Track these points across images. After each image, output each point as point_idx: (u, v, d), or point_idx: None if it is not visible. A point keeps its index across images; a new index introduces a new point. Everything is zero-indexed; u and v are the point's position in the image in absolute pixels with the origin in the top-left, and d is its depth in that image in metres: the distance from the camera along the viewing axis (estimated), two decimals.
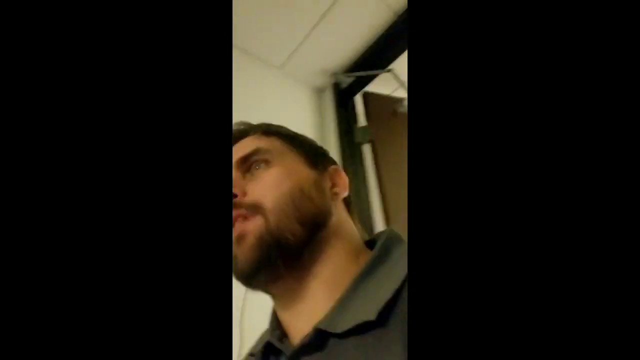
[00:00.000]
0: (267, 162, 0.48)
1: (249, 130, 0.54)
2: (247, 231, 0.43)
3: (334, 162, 0.56)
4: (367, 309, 0.37)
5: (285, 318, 0.46)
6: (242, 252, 0.43)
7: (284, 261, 0.43)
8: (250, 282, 0.44)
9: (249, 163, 0.49)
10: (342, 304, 0.40)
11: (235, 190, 0.46)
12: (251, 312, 0.47)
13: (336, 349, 0.38)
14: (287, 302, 0.45)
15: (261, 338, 0.50)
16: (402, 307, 0.36)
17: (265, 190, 0.45)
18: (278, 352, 0.45)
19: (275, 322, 0.48)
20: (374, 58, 1.57)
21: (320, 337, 0.39)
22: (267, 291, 0.46)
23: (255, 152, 0.49)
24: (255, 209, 0.44)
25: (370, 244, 0.50)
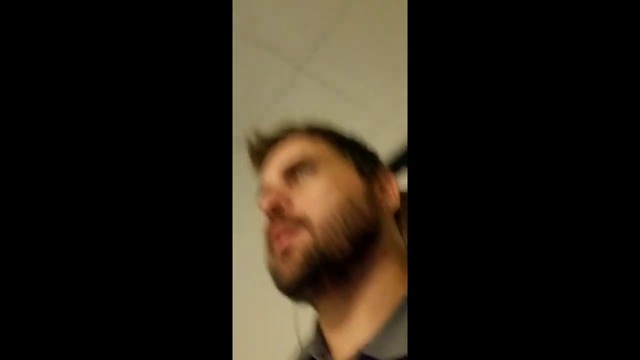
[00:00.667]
0: (313, 170, 0.45)
1: (289, 131, 0.51)
2: (293, 246, 0.42)
3: (382, 166, 0.52)
4: None
5: (329, 334, 0.45)
6: (287, 268, 0.41)
7: (330, 278, 0.41)
8: (294, 296, 0.43)
9: (294, 172, 0.46)
10: (389, 329, 0.39)
11: (281, 201, 0.44)
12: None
13: None
14: (332, 319, 0.44)
15: (303, 350, 0.48)
16: None
17: (312, 202, 0.43)
18: None
19: (319, 336, 0.47)
20: None
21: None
22: (311, 304, 0.45)
23: (302, 161, 0.46)
24: (302, 223, 0.42)
25: None
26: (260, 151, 0.52)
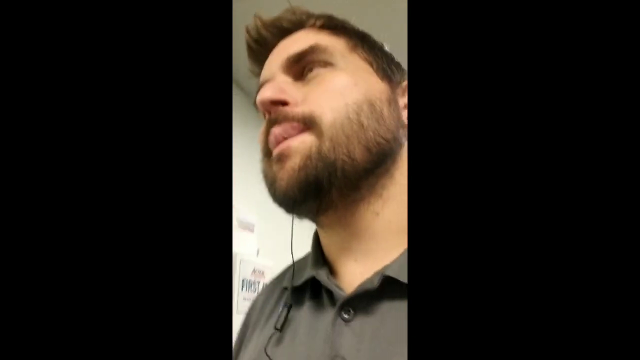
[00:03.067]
0: (327, 65, 0.37)
1: (305, 20, 0.41)
2: (293, 148, 0.34)
3: (406, 76, 0.42)
4: None
5: (336, 255, 0.38)
6: (284, 174, 0.35)
7: (337, 189, 0.34)
8: (292, 209, 0.36)
9: (303, 64, 0.37)
10: None
11: (286, 97, 0.36)
12: None
13: (403, 302, 0.31)
14: (341, 237, 0.37)
15: (299, 269, 0.41)
16: None
17: (322, 99, 0.35)
18: (319, 291, 0.38)
19: (320, 255, 0.40)
20: None
21: (386, 285, 0.32)
22: (313, 220, 0.38)
23: (313, 49, 0.37)
24: (309, 122, 0.34)
25: None
26: (264, 42, 0.42)
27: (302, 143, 0.34)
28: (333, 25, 0.40)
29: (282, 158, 0.35)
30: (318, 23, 0.40)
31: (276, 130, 0.36)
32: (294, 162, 0.34)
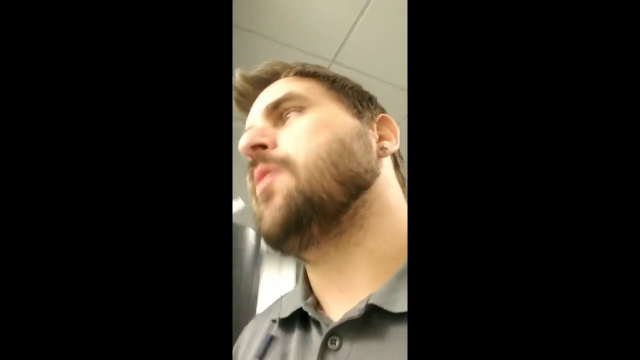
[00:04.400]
0: (301, 109, 0.40)
1: (281, 71, 0.45)
2: (274, 189, 0.37)
3: (382, 110, 0.46)
4: None
5: (321, 287, 0.40)
6: (269, 213, 0.37)
7: (318, 225, 0.36)
8: (279, 247, 0.38)
9: (280, 110, 0.41)
10: (401, 280, 0.35)
11: (264, 140, 0.39)
12: None
13: (388, 330, 0.33)
14: (325, 270, 0.39)
15: (288, 302, 0.43)
16: None
17: (296, 141, 0.38)
18: (307, 322, 0.39)
19: (307, 288, 0.42)
20: None
21: (370, 314, 0.34)
22: (299, 257, 0.40)
23: (287, 97, 0.41)
24: (285, 163, 0.37)
25: None
26: (246, 94, 0.46)
27: (280, 183, 0.37)
28: (305, 73, 0.44)
29: (267, 196, 0.38)
30: (292, 72, 0.45)
31: (255, 170, 0.39)
32: (277, 201, 0.37)
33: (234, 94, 0.47)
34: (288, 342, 0.40)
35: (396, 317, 0.33)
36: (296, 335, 0.39)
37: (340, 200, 0.37)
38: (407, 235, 0.38)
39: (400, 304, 0.33)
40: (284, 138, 0.39)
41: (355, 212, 0.38)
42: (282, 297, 0.45)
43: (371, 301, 0.34)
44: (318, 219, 0.36)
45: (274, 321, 0.43)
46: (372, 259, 0.38)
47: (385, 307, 0.33)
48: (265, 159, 0.38)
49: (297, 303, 0.40)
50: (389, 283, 0.35)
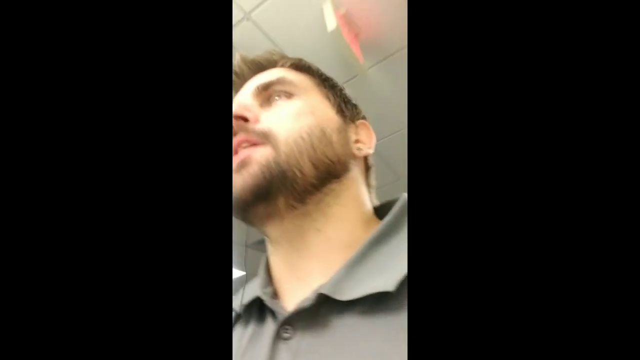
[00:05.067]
0: (290, 95, 0.43)
1: (278, 60, 0.48)
2: (251, 158, 0.38)
3: (363, 117, 0.50)
4: (383, 279, 0.33)
5: (280, 274, 0.42)
6: (241, 179, 0.38)
7: (285, 198, 0.38)
8: (245, 214, 0.39)
9: (269, 92, 0.43)
10: (352, 269, 0.36)
11: (247, 114, 0.40)
12: None
13: (340, 319, 0.33)
14: (285, 253, 0.41)
15: (248, 290, 0.44)
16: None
17: (281, 120, 0.40)
18: (264, 311, 0.40)
19: (267, 276, 0.43)
20: None
21: (321, 303, 0.34)
22: (263, 230, 0.42)
23: (279, 80, 0.43)
24: (266, 137, 0.39)
25: (378, 212, 0.45)
26: (242, 75, 0.49)
27: (260, 154, 0.39)
28: (300, 66, 0.47)
29: (242, 165, 0.39)
30: (288, 63, 0.47)
31: (234, 141, 0.40)
32: (252, 169, 0.38)
33: (235, 77, 0.49)
34: (245, 330, 0.41)
35: (344, 305, 0.33)
36: (253, 323, 0.40)
37: (311, 181, 0.39)
38: (366, 228, 0.40)
39: (349, 292, 0.33)
40: (267, 116, 0.41)
41: (321, 198, 0.40)
42: (244, 286, 0.46)
43: (321, 290, 0.34)
44: (286, 192, 0.38)
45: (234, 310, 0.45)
46: (330, 246, 0.39)
47: (334, 296, 0.33)
48: (246, 130, 0.40)
49: (255, 291, 0.41)
50: (340, 271, 0.36)
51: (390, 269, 0.34)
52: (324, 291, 0.34)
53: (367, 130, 0.48)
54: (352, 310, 0.33)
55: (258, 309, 0.41)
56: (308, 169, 0.39)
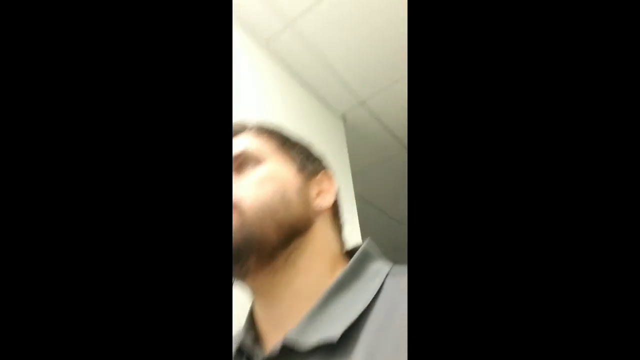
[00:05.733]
0: (256, 163, 0.49)
1: (242, 129, 0.54)
2: None
3: (325, 167, 0.55)
4: (332, 328, 0.38)
5: (261, 321, 0.47)
6: None
7: (255, 258, 0.43)
8: None
9: (239, 161, 0.49)
10: (310, 319, 0.40)
11: None
12: None
13: None
14: (262, 304, 0.46)
15: (240, 334, 0.50)
16: (368, 329, 0.37)
17: (246, 189, 0.46)
18: (251, 354, 0.45)
19: (251, 322, 0.48)
20: None
21: (286, 352, 0.39)
22: (244, 285, 0.47)
23: (243, 153, 0.49)
24: (235, 206, 0.44)
25: (352, 254, 0.49)
26: None
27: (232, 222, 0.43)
28: (263, 131, 0.53)
29: None
30: (252, 130, 0.54)
31: None
32: None
33: None
34: None
35: (304, 355, 0.38)
36: None
37: (276, 241, 0.44)
38: (332, 276, 0.44)
39: (309, 341, 0.38)
40: (238, 185, 0.47)
41: (288, 255, 0.45)
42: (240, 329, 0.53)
43: (284, 341, 0.39)
44: (255, 254, 0.43)
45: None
46: (300, 297, 0.44)
47: (295, 347, 0.38)
48: None
49: (240, 337, 0.47)
50: (302, 322, 0.40)
51: (341, 318, 0.38)
52: (286, 343, 0.39)
53: (328, 180, 0.53)
54: (314, 357, 0.37)
55: (247, 352, 0.47)
56: (272, 231, 0.44)
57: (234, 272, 0.44)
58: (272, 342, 0.43)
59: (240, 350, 0.47)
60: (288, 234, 0.45)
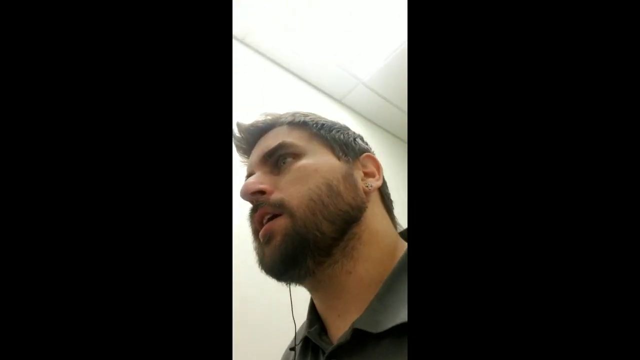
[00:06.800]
0: (294, 156, 0.46)
1: (275, 122, 0.52)
2: (273, 230, 0.42)
3: (366, 149, 0.52)
4: (405, 309, 0.36)
5: (323, 312, 0.46)
6: (270, 252, 0.42)
7: (313, 259, 0.41)
8: (281, 279, 0.44)
9: (275, 157, 0.47)
10: (380, 302, 0.39)
11: (261, 187, 0.44)
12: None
13: (375, 349, 0.37)
14: (324, 297, 0.45)
15: (300, 331, 0.49)
16: None
17: (290, 187, 0.43)
18: (317, 347, 0.44)
19: (314, 315, 0.47)
20: None
21: (358, 337, 0.38)
22: (302, 285, 0.46)
23: (281, 146, 0.46)
24: (282, 207, 0.42)
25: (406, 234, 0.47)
26: (246, 141, 0.53)
27: (279, 225, 0.42)
28: (296, 122, 0.50)
29: (268, 239, 0.43)
30: (285, 122, 0.51)
31: (257, 215, 0.44)
32: (277, 241, 0.42)
33: (235, 142, 0.54)
34: None
35: (378, 336, 0.37)
36: (310, 357, 0.45)
37: (332, 235, 0.42)
38: (392, 259, 0.43)
39: (380, 325, 0.37)
40: (279, 183, 0.44)
41: (346, 244, 0.43)
42: (295, 325, 0.51)
43: (355, 326, 0.38)
44: (313, 254, 0.41)
45: (291, 349, 0.50)
46: (362, 284, 0.42)
47: (368, 330, 0.37)
48: (264, 203, 0.44)
49: (304, 332, 0.46)
50: (370, 306, 0.39)
51: None
52: (359, 326, 0.38)
53: (372, 161, 0.50)
54: (385, 339, 0.36)
55: (310, 347, 0.46)
56: (326, 226, 0.42)
57: (289, 278, 0.43)
58: (339, 330, 0.42)
59: (306, 342, 0.46)
60: (342, 225, 0.43)
